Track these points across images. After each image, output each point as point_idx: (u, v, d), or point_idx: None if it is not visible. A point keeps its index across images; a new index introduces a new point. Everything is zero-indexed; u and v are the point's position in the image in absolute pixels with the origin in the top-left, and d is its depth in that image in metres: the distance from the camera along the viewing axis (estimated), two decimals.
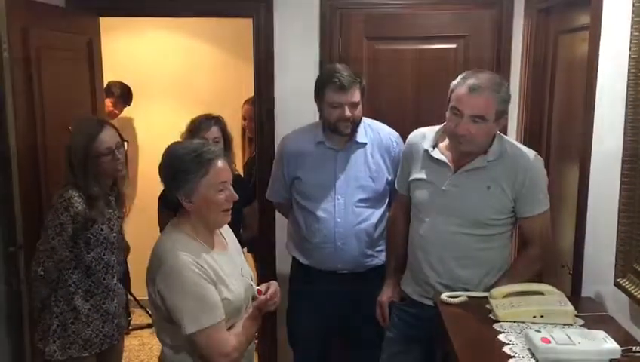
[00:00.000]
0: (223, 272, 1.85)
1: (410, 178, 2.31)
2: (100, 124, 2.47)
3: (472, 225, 2.14)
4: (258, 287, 1.98)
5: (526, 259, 2.22)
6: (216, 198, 1.84)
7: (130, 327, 4.36)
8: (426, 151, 2.23)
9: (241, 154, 4.10)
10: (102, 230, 2.43)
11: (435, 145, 2.23)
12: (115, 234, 2.50)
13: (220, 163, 1.85)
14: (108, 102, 4.31)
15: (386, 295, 2.46)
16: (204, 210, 1.85)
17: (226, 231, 2.05)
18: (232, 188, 1.89)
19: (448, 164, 2.18)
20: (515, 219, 2.19)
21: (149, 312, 4.04)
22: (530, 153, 2.17)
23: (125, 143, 2.52)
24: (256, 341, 3.58)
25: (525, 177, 2.11)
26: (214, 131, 2.84)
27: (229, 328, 1.84)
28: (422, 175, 2.25)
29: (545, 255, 2.23)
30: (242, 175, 3.61)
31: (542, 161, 2.19)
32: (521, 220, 2.19)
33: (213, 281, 1.81)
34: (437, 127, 2.26)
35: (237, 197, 1.90)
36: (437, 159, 2.20)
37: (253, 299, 1.97)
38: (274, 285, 2.01)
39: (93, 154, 2.37)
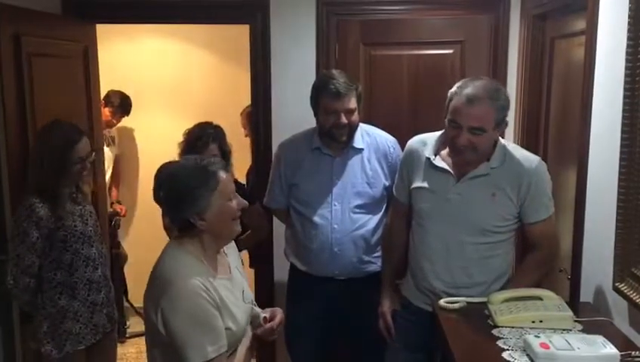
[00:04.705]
0: (228, 300, 1.78)
1: (412, 186, 2.26)
2: (80, 133, 2.54)
3: (478, 234, 2.12)
4: (264, 314, 1.91)
5: (533, 262, 2.19)
6: (230, 207, 1.79)
7: (127, 335, 4.35)
8: (428, 158, 2.19)
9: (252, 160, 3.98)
10: (76, 226, 2.50)
11: (436, 153, 2.19)
12: (90, 228, 2.57)
13: (224, 173, 1.79)
14: (106, 111, 4.30)
15: (386, 305, 2.43)
16: (218, 224, 1.77)
17: (229, 248, 1.96)
18: (238, 195, 1.84)
19: (451, 172, 2.15)
20: (518, 224, 2.17)
21: None
22: (534, 158, 2.15)
23: (92, 153, 2.59)
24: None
25: (530, 182, 2.08)
26: (213, 149, 2.70)
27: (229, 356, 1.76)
28: (424, 183, 2.21)
29: (552, 258, 2.22)
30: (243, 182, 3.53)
31: (545, 166, 2.16)
32: (528, 225, 2.15)
33: (218, 309, 1.72)
34: (437, 134, 2.22)
35: (246, 203, 1.86)
36: (439, 167, 2.17)
37: (253, 322, 1.91)
38: (279, 313, 1.94)
39: (69, 160, 2.45)
